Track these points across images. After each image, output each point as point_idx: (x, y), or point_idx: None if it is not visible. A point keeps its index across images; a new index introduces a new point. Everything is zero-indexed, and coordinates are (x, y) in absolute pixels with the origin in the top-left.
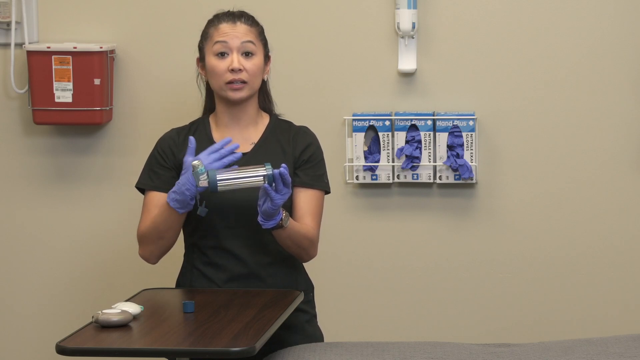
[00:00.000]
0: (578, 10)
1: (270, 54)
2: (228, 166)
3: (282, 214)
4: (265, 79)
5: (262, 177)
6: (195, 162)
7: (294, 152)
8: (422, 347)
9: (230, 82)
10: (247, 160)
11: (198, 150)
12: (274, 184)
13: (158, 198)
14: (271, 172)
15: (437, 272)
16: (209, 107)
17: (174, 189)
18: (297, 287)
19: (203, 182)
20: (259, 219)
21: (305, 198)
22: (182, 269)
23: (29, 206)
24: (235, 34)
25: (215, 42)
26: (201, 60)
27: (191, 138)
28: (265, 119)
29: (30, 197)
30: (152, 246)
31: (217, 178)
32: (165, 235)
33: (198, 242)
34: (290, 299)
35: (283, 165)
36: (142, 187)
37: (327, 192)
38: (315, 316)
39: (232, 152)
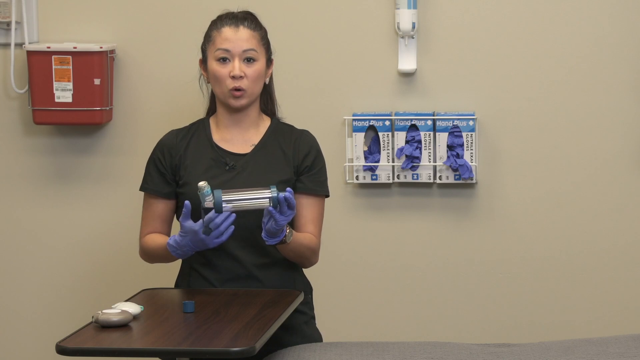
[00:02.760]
0: (578, 10)
1: (272, 57)
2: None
3: (285, 231)
4: (267, 82)
5: (267, 200)
6: (202, 183)
7: (295, 157)
8: (422, 347)
9: (232, 89)
10: (246, 161)
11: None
12: (278, 207)
13: (156, 204)
14: (276, 195)
15: (437, 272)
16: (212, 108)
17: (175, 241)
18: (295, 289)
19: (209, 204)
20: (263, 235)
21: (308, 206)
22: (180, 270)
23: (29, 206)
24: (237, 40)
25: (217, 48)
26: (203, 62)
27: (186, 202)
28: (266, 122)
29: (30, 197)
30: (150, 260)
31: (223, 200)
32: (163, 261)
33: None
34: (290, 299)
35: (288, 189)
36: (142, 190)
37: (327, 196)
38: (313, 317)
39: (227, 226)
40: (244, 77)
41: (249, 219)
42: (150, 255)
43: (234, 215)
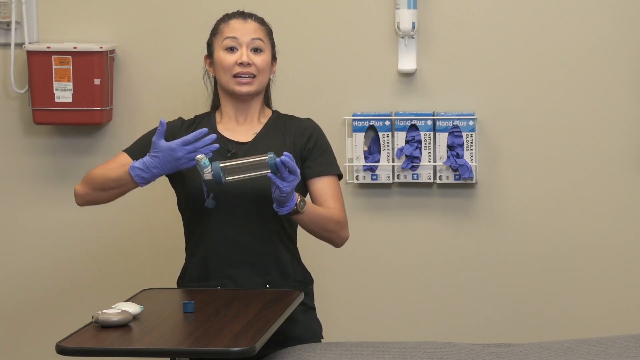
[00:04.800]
0: (578, 10)
1: (277, 56)
2: (224, 157)
3: (296, 199)
4: (271, 79)
5: (266, 167)
6: (199, 156)
7: (297, 142)
8: (422, 347)
9: (237, 75)
10: (247, 149)
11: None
12: (278, 173)
13: (126, 159)
14: (274, 160)
15: (437, 272)
16: (216, 104)
17: (139, 165)
18: (295, 277)
19: (208, 175)
20: (274, 206)
21: (322, 185)
22: (185, 261)
23: (29, 206)
24: (245, 30)
25: (225, 37)
26: (209, 56)
27: (162, 120)
28: (268, 114)
29: (30, 197)
30: (89, 190)
31: (222, 170)
32: (109, 192)
33: (196, 231)
34: (290, 298)
35: (285, 153)
36: (125, 151)
37: (341, 176)
38: (313, 308)
39: (206, 145)
40: (252, 65)
41: (248, 205)
42: (95, 180)
43: (213, 136)
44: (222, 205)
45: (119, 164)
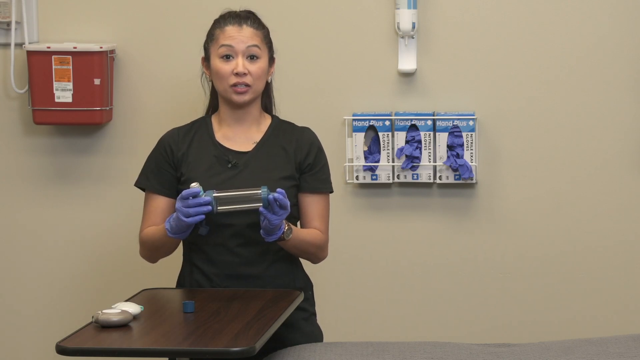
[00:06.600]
0: (578, 10)
1: (274, 56)
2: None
3: (283, 228)
4: (269, 81)
5: (259, 200)
6: (193, 185)
7: (297, 155)
8: (422, 347)
9: (234, 85)
10: (248, 159)
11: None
12: (270, 206)
13: (156, 201)
14: (266, 195)
15: (437, 272)
16: (213, 106)
17: (171, 222)
18: (295, 284)
19: None
20: (261, 233)
21: (313, 203)
22: (182, 267)
23: (29, 206)
24: (241, 37)
25: (220, 45)
26: (206, 60)
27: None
28: (267, 120)
29: (30, 197)
30: (149, 252)
31: (215, 200)
32: (161, 250)
33: (196, 239)
34: (290, 298)
35: (279, 190)
36: (141, 187)
37: (332, 192)
38: (314, 314)
39: (201, 204)
40: (247, 74)
41: (248, 215)
42: (150, 244)
43: (207, 206)
44: (222, 217)
45: (154, 211)
